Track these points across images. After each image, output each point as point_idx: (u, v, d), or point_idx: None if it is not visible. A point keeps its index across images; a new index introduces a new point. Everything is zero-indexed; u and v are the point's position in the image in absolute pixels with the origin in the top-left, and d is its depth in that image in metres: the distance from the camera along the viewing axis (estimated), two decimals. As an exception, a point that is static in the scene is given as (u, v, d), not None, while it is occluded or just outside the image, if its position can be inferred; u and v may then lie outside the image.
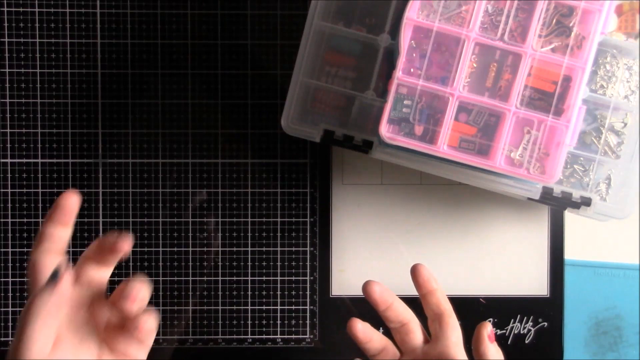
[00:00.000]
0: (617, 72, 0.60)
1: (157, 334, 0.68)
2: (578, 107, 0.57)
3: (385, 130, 0.57)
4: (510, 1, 0.57)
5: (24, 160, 0.68)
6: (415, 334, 0.56)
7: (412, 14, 0.57)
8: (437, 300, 0.56)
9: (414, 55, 0.58)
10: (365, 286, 0.57)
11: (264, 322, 0.69)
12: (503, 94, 0.58)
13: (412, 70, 0.58)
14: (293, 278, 0.69)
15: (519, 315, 0.68)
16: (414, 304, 0.69)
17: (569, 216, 0.68)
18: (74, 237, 0.68)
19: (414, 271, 0.57)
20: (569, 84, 0.57)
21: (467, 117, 0.58)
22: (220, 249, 0.68)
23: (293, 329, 0.69)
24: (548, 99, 0.57)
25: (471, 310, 0.68)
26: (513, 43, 0.57)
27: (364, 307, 0.69)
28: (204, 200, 0.68)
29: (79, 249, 0.68)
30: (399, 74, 0.57)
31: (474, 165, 0.57)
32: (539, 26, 0.57)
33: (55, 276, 0.46)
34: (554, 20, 0.57)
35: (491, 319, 0.68)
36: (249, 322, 0.69)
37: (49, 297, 0.45)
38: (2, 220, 0.68)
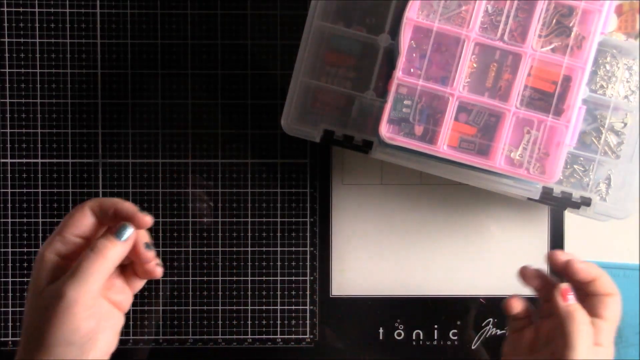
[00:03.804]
0: (617, 72, 0.60)
1: (157, 334, 0.68)
2: (578, 107, 0.57)
3: (385, 130, 0.57)
4: (510, 1, 0.57)
5: (24, 160, 0.68)
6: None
7: (412, 14, 0.57)
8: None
9: (414, 55, 0.58)
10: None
11: (264, 322, 0.69)
12: (503, 94, 0.58)
13: (412, 70, 0.58)
14: (293, 278, 0.68)
15: (519, 315, 0.68)
16: (419, 304, 0.69)
17: (569, 216, 0.68)
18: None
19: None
20: (569, 84, 0.57)
21: (467, 117, 0.58)
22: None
23: (293, 329, 0.69)
24: (548, 99, 0.57)
25: (471, 310, 0.68)
26: (513, 43, 0.57)
27: (364, 307, 0.69)
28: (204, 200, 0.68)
29: (79, 249, 0.68)
30: (399, 74, 0.57)
31: (474, 165, 0.57)
32: (539, 26, 0.57)
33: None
34: (554, 20, 0.57)
35: (490, 319, 0.68)
36: (249, 322, 0.69)
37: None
38: (2, 220, 0.68)
